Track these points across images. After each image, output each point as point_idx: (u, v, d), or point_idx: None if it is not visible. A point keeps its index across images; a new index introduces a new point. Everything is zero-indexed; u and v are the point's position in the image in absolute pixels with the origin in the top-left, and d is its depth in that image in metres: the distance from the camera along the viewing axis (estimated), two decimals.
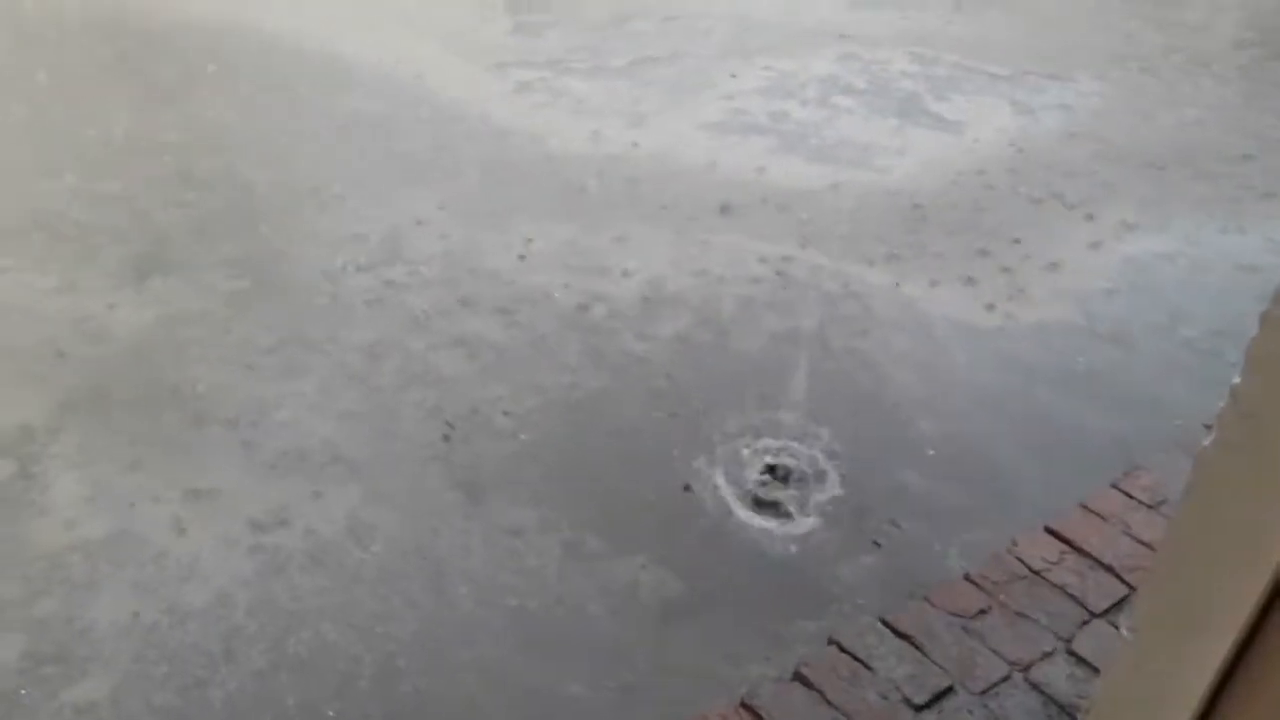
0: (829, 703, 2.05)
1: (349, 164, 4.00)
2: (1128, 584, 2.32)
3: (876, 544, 2.52)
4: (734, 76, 4.72)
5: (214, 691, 2.12)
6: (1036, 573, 2.35)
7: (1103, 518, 2.50)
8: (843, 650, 2.16)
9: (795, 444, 2.80)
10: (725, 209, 3.81)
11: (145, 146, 4.00)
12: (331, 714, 2.10)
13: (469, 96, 4.48)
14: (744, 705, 2.04)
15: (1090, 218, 3.84)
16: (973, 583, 2.33)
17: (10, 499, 2.53)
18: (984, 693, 2.08)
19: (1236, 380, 0.92)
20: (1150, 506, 2.53)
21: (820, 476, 2.71)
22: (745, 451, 2.77)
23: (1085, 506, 2.54)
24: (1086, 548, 2.41)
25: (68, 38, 4.75)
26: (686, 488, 2.65)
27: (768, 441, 2.81)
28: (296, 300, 3.28)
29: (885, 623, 2.22)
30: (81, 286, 3.28)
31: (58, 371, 2.93)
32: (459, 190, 3.85)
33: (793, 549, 2.50)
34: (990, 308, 3.35)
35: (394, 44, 4.88)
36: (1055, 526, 2.47)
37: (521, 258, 3.50)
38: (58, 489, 2.57)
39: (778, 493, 2.65)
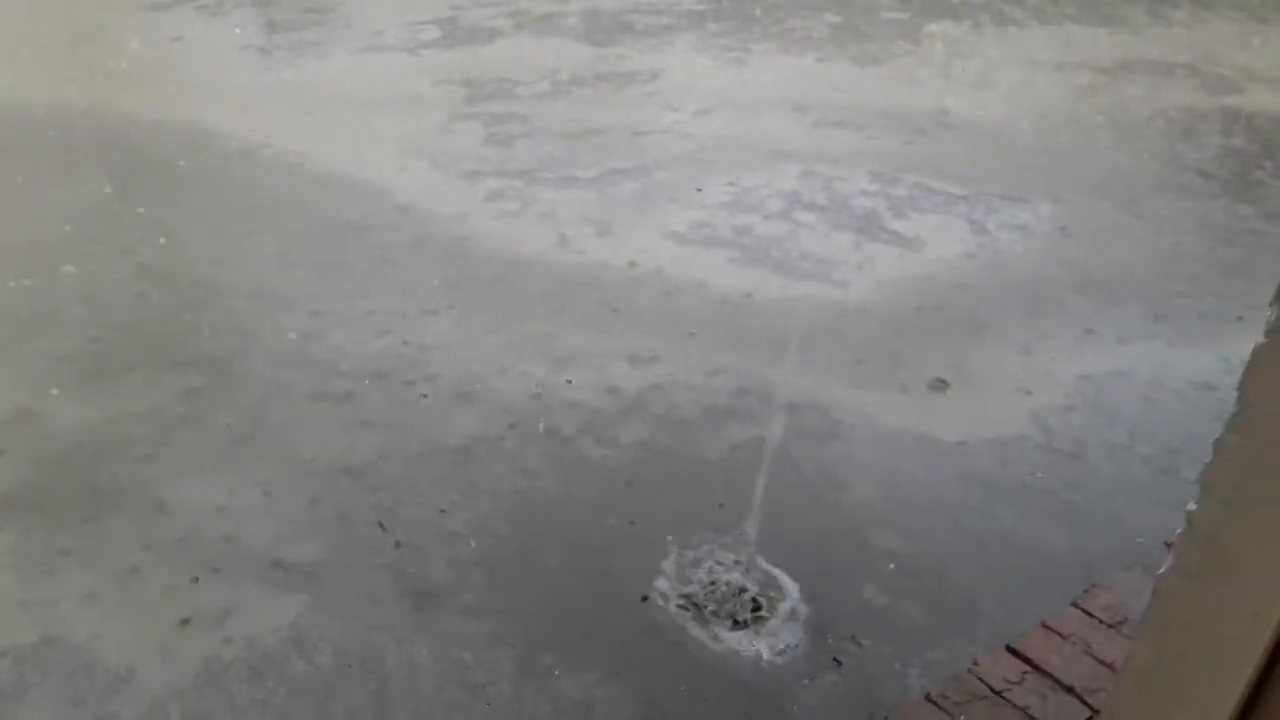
0: None
1: (316, 266, 4.00)
2: (1090, 706, 2.27)
3: (837, 661, 2.47)
4: (699, 190, 4.83)
5: None
6: (998, 693, 2.30)
7: (1063, 637, 2.47)
8: None
9: (755, 556, 2.76)
10: (684, 317, 3.84)
11: (106, 242, 3.98)
12: None
13: (441, 203, 4.53)
14: None
15: (1045, 335, 3.91)
16: (933, 703, 2.27)
17: None
18: None
19: (1192, 506, 0.91)
20: (1111, 626, 2.51)
21: (780, 590, 2.67)
22: (704, 564, 2.73)
23: (1046, 625, 2.51)
24: (1048, 668, 2.37)
25: (51, 136, 4.78)
26: (644, 598, 2.60)
27: (727, 554, 2.76)
28: (251, 400, 3.23)
29: None
30: (28, 381, 3.21)
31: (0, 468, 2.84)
32: (422, 292, 3.86)
33: (752, 667, 2.44)
34: (949, 423, 3.37)
35: (367, 154, 4.95)
36: (1017, 646, 2.43)
37: (478, 360, 3.49)
38: None
39: (736, 607, 2.59)
